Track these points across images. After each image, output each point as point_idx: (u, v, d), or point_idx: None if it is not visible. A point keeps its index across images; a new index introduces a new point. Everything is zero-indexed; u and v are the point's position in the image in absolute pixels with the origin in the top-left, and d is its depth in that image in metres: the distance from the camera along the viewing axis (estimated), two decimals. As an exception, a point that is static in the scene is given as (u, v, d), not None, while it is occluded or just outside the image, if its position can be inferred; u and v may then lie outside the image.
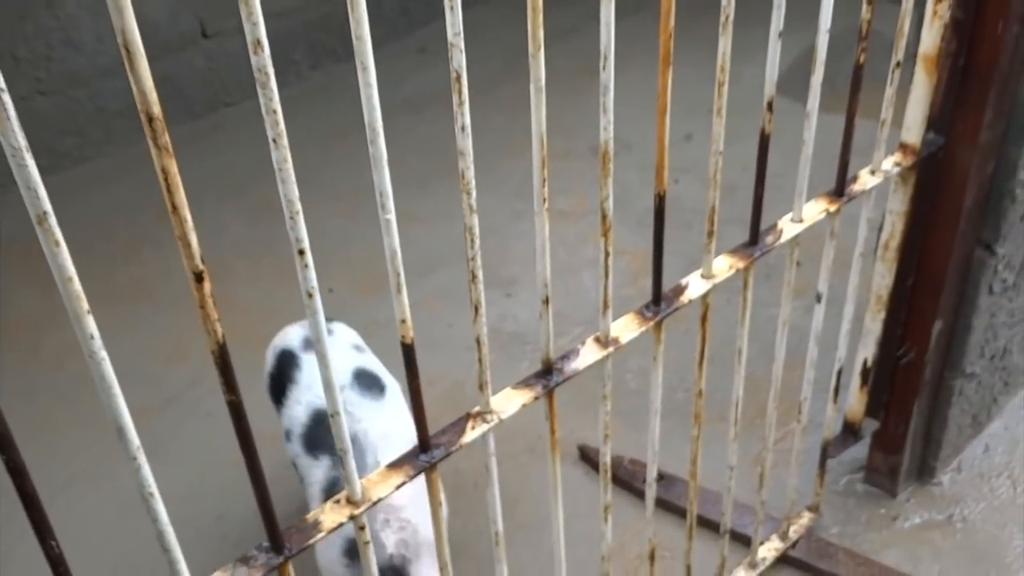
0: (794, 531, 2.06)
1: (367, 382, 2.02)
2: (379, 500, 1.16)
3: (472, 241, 1.13)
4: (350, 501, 1.15)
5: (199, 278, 0.90)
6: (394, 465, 1.20)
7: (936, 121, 1.81)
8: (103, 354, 0.88)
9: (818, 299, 1.77)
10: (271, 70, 0.88)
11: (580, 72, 4.28)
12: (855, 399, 2.09)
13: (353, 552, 1.79)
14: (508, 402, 1.29)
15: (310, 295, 1.01)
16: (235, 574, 1.10)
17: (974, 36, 1.72)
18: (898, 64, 1.65)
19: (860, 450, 2.19)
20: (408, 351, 1.13)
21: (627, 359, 2.70)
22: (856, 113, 1.60)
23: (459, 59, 1.01)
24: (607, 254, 1.30)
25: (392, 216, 1.04)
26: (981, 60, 1.71)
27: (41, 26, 3.58)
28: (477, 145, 3.97)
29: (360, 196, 3.45)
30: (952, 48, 1.75)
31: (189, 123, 4.08)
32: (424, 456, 1.20)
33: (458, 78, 1.03)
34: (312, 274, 1.00)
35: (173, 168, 0.85)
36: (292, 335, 2.17)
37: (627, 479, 2.24)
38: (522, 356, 2.74)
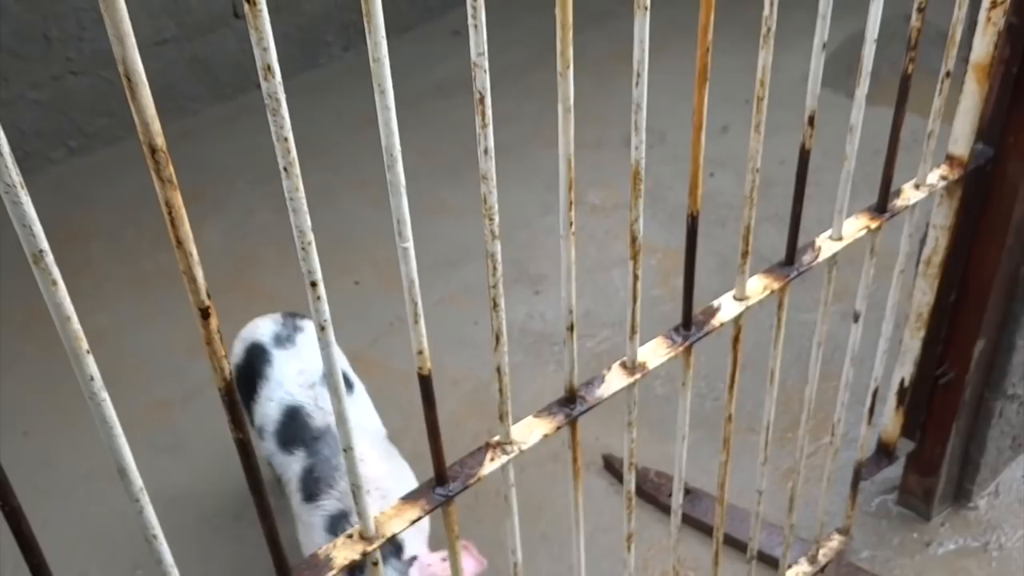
0: (823, 555, 2.00)
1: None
2: (393, 536, 1.12)
3: (494, 269, 1.07)
4: (363, 537, 1.11)
5: (205, 314, 0.85)
6: (409, 499, 1.15)
7: (986, 132, 1.72)
8: (104, 395, 0.83)
9: (855, 318, 1.70)
10: (282, 96, 0.83)
11: (614, 57, 4.20)
12: (890, 419, 2.02)
13: (336, 528, 1.83)
14: (529, 432, 1.24)
15: (323, 328, 0.96)
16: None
17: (1031, 44, 1.63)
18: (948, 73, 1.57)
19: (894, 470, 2.12)
20: (425, 382, 1.08)
21: (655, 362, 2.65)
22: (901, 127, 1.52)
23: (483, 80, 0.96)
24: (636, 278, 1.24)
25: (410, 244, 0.98)
26: (1038, 68, 1.63)
27: (73, 5, 3.55)
28: (508, 134, 3.93)
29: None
30: (1006, 55, 1.67)
31: (219, 105, 4.05)
32: (440, 490, 1.16)
33: (481, 100, 0.97)
34: (325, 306, 0.95)
35: (178, 201, 0.80)
36: (262, 329, 2.13)
37: (652, 492, 2.19)
38: (549, 358, 2.69)
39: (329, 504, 1.88)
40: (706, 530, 2.10)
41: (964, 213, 1.78)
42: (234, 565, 2.21)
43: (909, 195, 1.63)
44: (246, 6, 0.77)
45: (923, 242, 1.85)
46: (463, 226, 3.25)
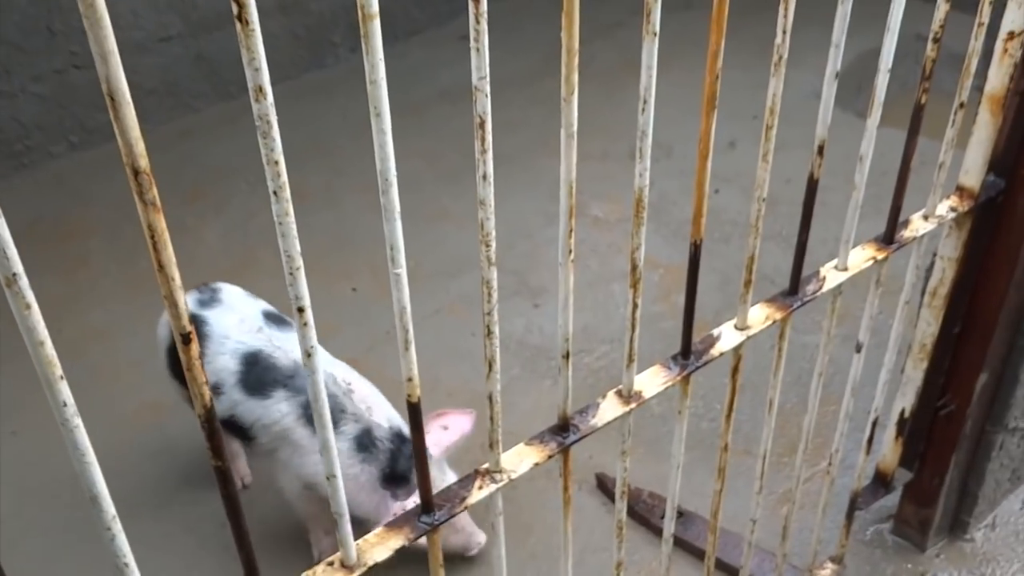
0: (816, 583, 1.97)
1: (276, 319, 2.14)
2: (375, 564, 1.09)
3: (490, 295, 1.05)
4: (344, 565, 1.08)
5: (186, 340, 0.83)
6: (392, 526, 1.13)
7: (998, 163, 1.69)
8: (77, 421, 0.81)
9: (858, 349, 1.67)
10: (274, 118, 0.81)
11: (623, 68, 4.17)
12: (889, 448, 1.99)
13: (363, 447, 1.98)
14: (520, 460, 1.21)
15: (308, 355, 0.93)
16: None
17: (1046, 76, 1.60)
18: (962, 104, 1.54)
19: (890, 499, 2.09)
20: (414, 410, 1.05)
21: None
22: (912, 156, 1.49)
23: (484, 104, 0.93)
24: (635, 306, 1.21)
25: (403, 271, 0.96)
26: (1052, 102, 1.60)
27: (78, -2, 3.53)
28: (513, 142, 3.90)
29: (390, 190, 3.38)
30: (1021, 87, 1.64)
31: (222, 103, 4.03)
32: (426, 518, 1.13)
33: (482, 124, 0.94)
34: (312, 332, 0.92)
35: (161, 224, 0.77)
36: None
37: (645, 514, 2.16)
38: (546, 373, 2.66)
39: (348, 428, 1.99)
40: (698, 554, 2.08)
41: (972, 245, 1.75)
42: (220, 573, 2.18)
43: (917, 226, 1.60)
44: (238, 25, 0.74)
45: (929, 272, 1.82)
46: (465, 234, 3.22)
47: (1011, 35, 1.55)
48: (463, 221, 3.29)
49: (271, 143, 0.81)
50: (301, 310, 0.91)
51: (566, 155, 1.03)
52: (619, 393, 1.30)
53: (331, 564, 1.08)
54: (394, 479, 1.99)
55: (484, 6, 0.85)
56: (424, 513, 1.13)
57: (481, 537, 2.14)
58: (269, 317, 2.14)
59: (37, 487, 2.41)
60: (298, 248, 0.88)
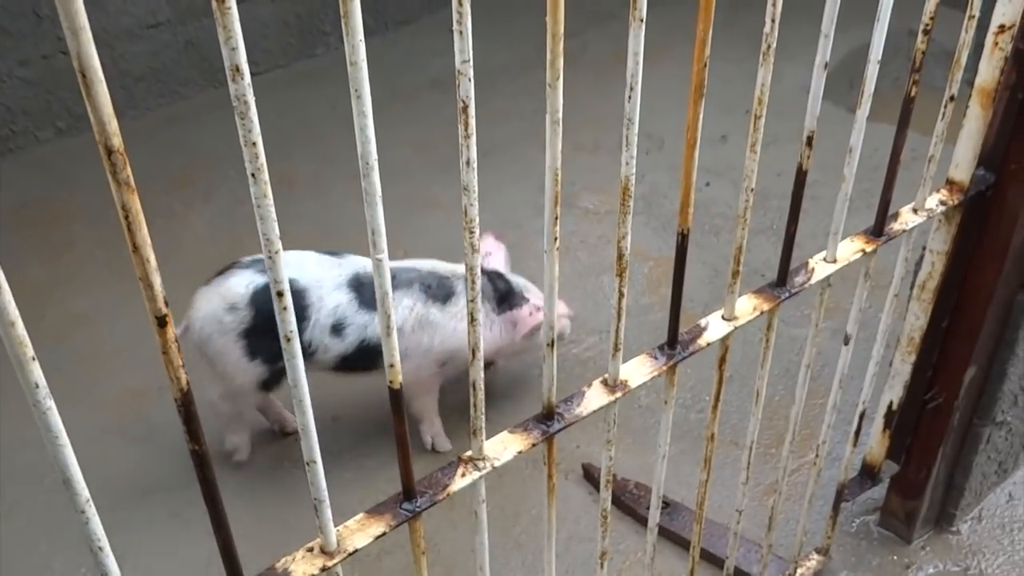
0: (801, 574, 1.97)
1: (330, 253, 2.27)
2: (355, 551, 1.08)
3: (473, 282, 1.03)
4: (324, 551, 1.07)
5: (162, 322, 0.81)
6: (373, 512, 1.11)
7: (988, 157, 1.69)
8: (49, 403, 0.79)
9: (846, 341, 1.66)
10: (251, 99, 0.79)
11: (615, 60, 4.16)
12: (876, 441, 1.99)
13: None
14: (503, 448, 1.20)
15: (288, 339, 0.92)
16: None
17: (1036, 69, 1.60)
18: (952, 98, 1.53)
19: (877, 491, 2.09)
20: (395, 396, 1.04)
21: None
22: (902, 150, 1.48)
23: (467, 88, 0.91)
24: (621, 295, 1.20)
25: (384, 256, 0.94)
26: (1042, 94, 1.59)
27: (66, -18, 3.50)
28: (503, 132, 3.89)
29: (383, 177, 3.37)
30: (1011, 81, 1.63)
31: (211, 90, 4.01)
32: (408, 504, 1.12)
33: (465, 108, 0.93)
34: (291, 317, 0.91)
35: (135, 205, 0.76)
36: (237, 284, 2.15)
37: (631, 504, 2.15)
38: (533, 362, 2.65)
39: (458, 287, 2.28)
40: (683, 544, 2.07)
41: (961, 238, 1.75)
42: (203, 559, 2.17)
43: (907, 219, 1.59)
44: (214, 3, 0.73)
45: (918, 265, 1.82)
46: (454, 223, 3.18)
47: (1001, 28, 1.54)
48: (452, 210, 3.27)
49: (249, 124, 0.79)
50: (280, 294, 0.89)
51: (551, 142, 1.02)
52: (604, 382, 1.29)
53: (311, 550, 1.07)
54: (504, 301, 2.34)
55: (468, -13, 0.84)
56: (406, 500, 1.12)
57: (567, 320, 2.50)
58: (324, 254, 2.25)
59: (15, 472, 2.39)
60: (277, 232, 0.86)
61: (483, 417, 1.15)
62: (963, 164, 1.67)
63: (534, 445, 1.22)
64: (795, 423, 1.69)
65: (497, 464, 1.19)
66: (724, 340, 1.40)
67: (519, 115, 3.79)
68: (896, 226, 1.57)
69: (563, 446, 2.29)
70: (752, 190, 1.30)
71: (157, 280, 0.81)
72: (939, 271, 1.78)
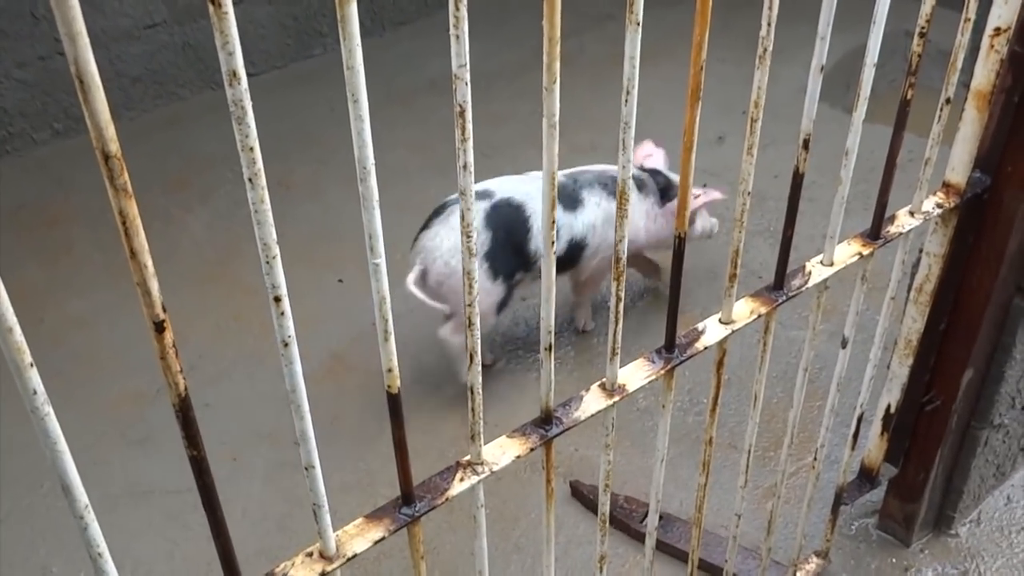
0: (800, 578, 1.97)
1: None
2: (354, 556, 1.08)
3: (471, 287, 1.03)
4: (323, 556, 1.07)
5: (160, 328, 0.81)
6: (372, 517, 1.11)
7: (984, 160, 1.69)
8: (47, 409, 0.79)
9: (843, 344, 1.66)
10: (248, 103, 0.79)
11: (613, 61, 4.16)
12: (874, 444, 1.99)
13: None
14: (502, 453, 1.20)
15: (285, 344, 0.92)
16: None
17: (1033, 72, 1.60)
18: (948, 100, 1.53)
19: (875, 494, 2.09)
20: (394, 400, 1.04)
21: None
22: (898, 153, 1.48)
23: (464, 92, 0.91)
24: (618, 299, 1.20)
25: (382, 260, 0.94)
26: (1038, 97, 1.59)
27: (64, -15, 3.50)
28: (501, 134, 3.89)
29: (380, 180, 3.37)
30: (1007, 83, 1.63)
31: (209, 92, 4.00)
32: (407, 509, 1.12)
33: (462, 112, 0.93)
34: (289, 322, 0.91)
35: (132, 210, 0.76)
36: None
37: (623, 519, 2.14)
38: (531, 366, 2.65)
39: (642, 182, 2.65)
40: (679, 556, 2.07)
41: (958, 241, 1.75)
42: (202, 563, 2.17)
43: (903, 222, 1.59)
44: (211, 7, 0.73)
45: (915, 268, 1.82)
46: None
47: (997, 31, 1.54)
48: (450, 213, 3.27)
49: (246, 129, 0.79)
50: (278, 299, 0.89)
51: (548, 145, 1.02)
52: (602, 386, 1.29)
53: (310, 555, 1.07)
54: (665, 195, 2.66)
55: (465, -8, 0.84)
56: (405, 504, 1.12)
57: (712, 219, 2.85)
58: (516, 176, 2.60)
59: (13, 478, 2.38)
60: (274, 236, 0.86)
61: (481, 422, 1.15)
62: (959, 167, 1.67)
63: (532, 449, 1.22)
64: (793, 426, 1.69)
65: (496, 468, 1.19)
66: (722, 343, 1.40)
67: (516, 117, 3.79)
68: (893, 229, 1.58)
69: (561, 450, 2.29)
70: (749, 193, 1.30)
71: (155, 285, 0.81)
72: (936, 274, 1.78)
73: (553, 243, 1.08)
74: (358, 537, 1.10)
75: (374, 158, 0.91)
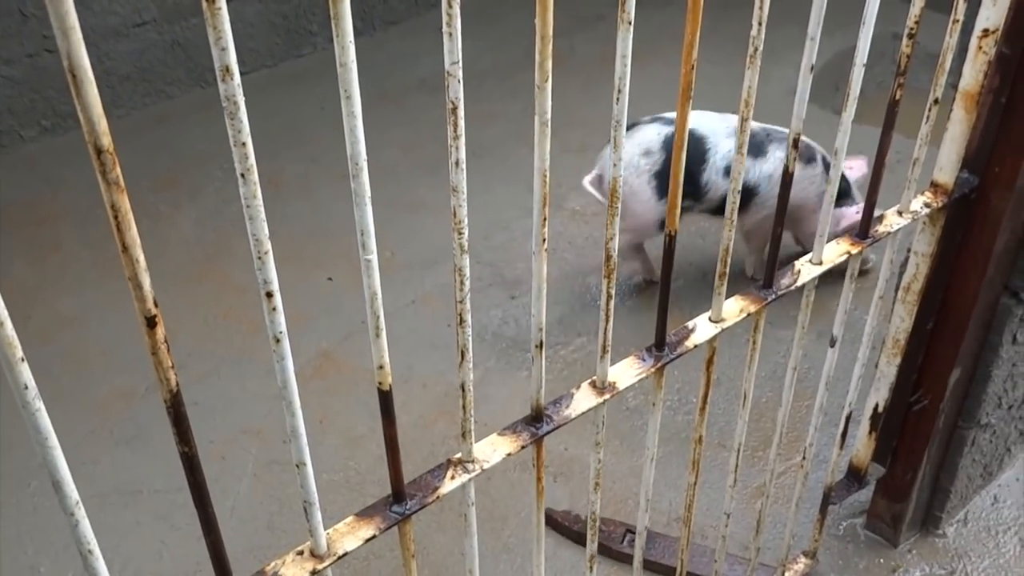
0: (788, 578, 1.98)
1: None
2: (345, 554, 1.08)
3: (462, 283, 1.04)
4: (314, 555, 1.07)
5: (151, 323, 0.81)
6: (363, 515, 1.11)
7: (971, 160, 1.70)
8: (38, 404, 0.79)
9: (832, 343, 1.67)
10: (241, 99, 0.79)
11: (603, 62, 4.17)
12: (862, 444, 2.00)
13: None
14: (492, 450, 1.20)
15: (277, 340, 0.92)
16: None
17: (1020, 73, 1.61)
18: (936, 101, 1.54)
19: (863, 494, 2.10)
20: (385, 398, 1.04)
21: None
22: (887, 153, 1.49)
23: (456, 89, 0.92)
24: (609, 297, 1.20)
25: (373, 257, 0.94)
26: (1026, 99, 1.60)
27: (52, -18, 3.48)
28: (492, 134, 3.89)
29: (371, 179, 3.36)
30: (995, 85, 1.64)
31: (198, 90, 3.99)
32: (397, 507, 1.12)
33: (454, 109, 0.93)
34: (280, 318, 0.91)
35: (125, 204, 0.76)
36: (650, 132, 2.61)
37: (603, 542, 2.12)
38: (521, 364, 2.65)
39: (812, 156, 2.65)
40: (662, 571, 2.07)
41: (945, 241, 1.76)
42: (192, 562, 2.16)
43: (892, 221, 1.60)
44: (204, 3, 0.73)
45: (903, 268, 1.83)
46: (442, 225, 3.21)
47: (985, 32, 1.55)
48: (440, 211, 3.28)
49: (238, 124, 0.79)
50: (269, 295, 0.89)
51: (540, 143, 1.02)
52: (593, 384, 1.29)
53: (300, 553, 1.07)
54: (838, 198, 2.56)
55: (458, -11, 0.84)
56: (396, 502, 1.12)
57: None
58: (711, 112, 2.65)
59: (6, 472, 2.37)
60: (266, 231, 0.86)
61: (472, 419, 1.15)
62: (947, 167, 1.68)
63: (523, 447, 1.22)
64: (782, 425, 1.70)
65: (487, 466, 1.19)
66: (711, 342, 1.40)
67: (507, 117, 3.79)
68: (881, 228, 1.58)
69: (551, 448, 2.29)
70: (739, 192, 1.30)
71: (146, 280, 0.80)
72: (923, 273, 1.79)
73: (544, 241, 1.09)
74: (349, 535, 1.10)
75: (366, 156, 0.91)
